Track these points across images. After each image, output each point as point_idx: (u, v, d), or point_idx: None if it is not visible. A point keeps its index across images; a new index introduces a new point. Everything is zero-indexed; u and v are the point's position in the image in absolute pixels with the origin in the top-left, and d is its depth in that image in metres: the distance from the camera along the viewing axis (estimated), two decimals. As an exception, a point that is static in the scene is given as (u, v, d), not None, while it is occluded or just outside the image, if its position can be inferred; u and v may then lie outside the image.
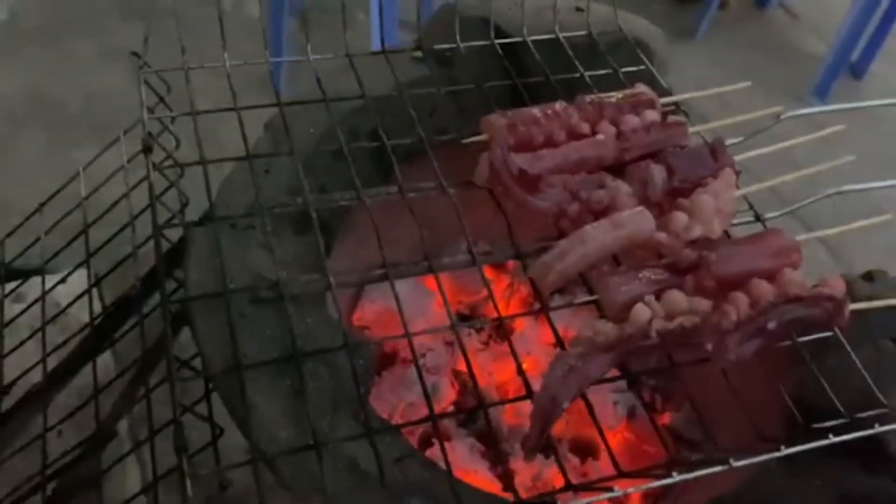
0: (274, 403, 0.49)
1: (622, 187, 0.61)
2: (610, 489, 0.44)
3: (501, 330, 0.92)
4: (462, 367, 0.87)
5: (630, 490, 0.44)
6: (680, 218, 0.59)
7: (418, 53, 0.79)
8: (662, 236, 0.59)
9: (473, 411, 0.84)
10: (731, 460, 0.46)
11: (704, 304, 0.54)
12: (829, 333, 0.58)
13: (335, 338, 0.53)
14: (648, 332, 0.52)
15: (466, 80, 0.76)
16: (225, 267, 0.54)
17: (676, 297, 0.54)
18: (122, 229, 0.72)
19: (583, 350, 0.52)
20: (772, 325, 0.54)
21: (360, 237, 0.83)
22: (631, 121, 0.65)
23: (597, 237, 0.58)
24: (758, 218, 0.66)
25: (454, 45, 0.76)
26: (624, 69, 0.77)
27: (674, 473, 0.44)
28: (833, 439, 0.48)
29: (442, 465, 0.70)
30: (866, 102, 0.72)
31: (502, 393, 0.86)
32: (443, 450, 0.50)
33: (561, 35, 0.79)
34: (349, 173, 0.73)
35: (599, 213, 0.60)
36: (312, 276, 0.54)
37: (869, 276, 0.70)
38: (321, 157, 0.71)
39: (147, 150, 0.60)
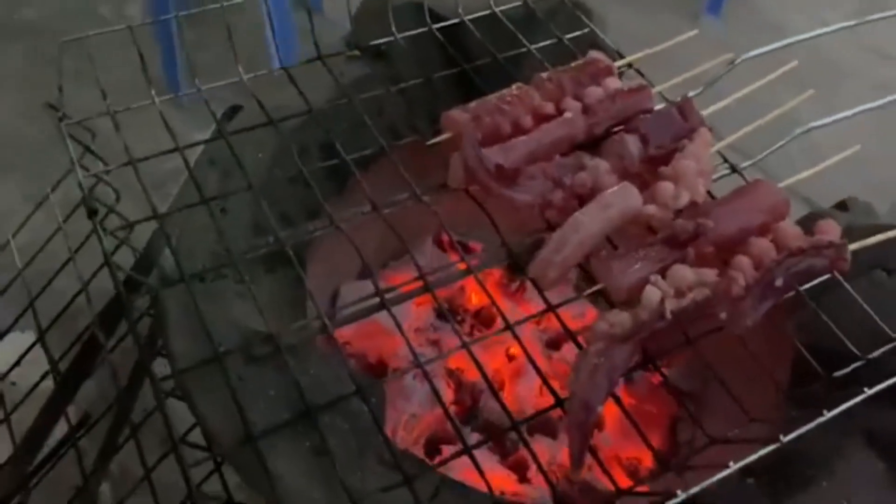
0: (298, 468, 0.46)
1: (601, 165, 0.59)
2: (674, 494, 0.42)
3: (482, 318, 0.93)
4: (453, 364, 0.85)
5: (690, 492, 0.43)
6: (666, 187, 0.57)
7: (355, 52, 0.75)
8: (652, 209, 0.57)
9: (474, 409, 0.83)
10: (782, 436, 0.45)
11: (710, 274, 0.53)
12: (827, 276, 0.58)
13: (344, 383, 0.50)
14: (663, 312, 0.51)
15: (409, 72, 0.72)
16: (208, 327, 0.49)
17: (682, 272, 0.53)
18: (73, 299, 0.66)
19: (603, 345, 0.50)
20: (779, 282, 0.54)
21: (332, 262, 0.79)
22: (594, 92, 0.63)
23: (589, 222, 0.55)
24: (734, 169, 0.65)
25: (391, 38, 0.72)
26: (568, 35, 0.74)
27: (730, 463, 0.43)
28: (869, 392, 0.48)
29: (457, 479, 0.68)
30: (819, 31, 0.71)
31: (498, 381, 0.84)
32: (482, 475, 0.48)
33: (497, 10, 0.75)
34: (308, 196, 0.69)
35: (584, 196, 0.58)
36: (304, 321, 0.51)
37: (843, 206, 0.71)
38: (276, 182, 0.66)
39: (92, 213, 0.54)
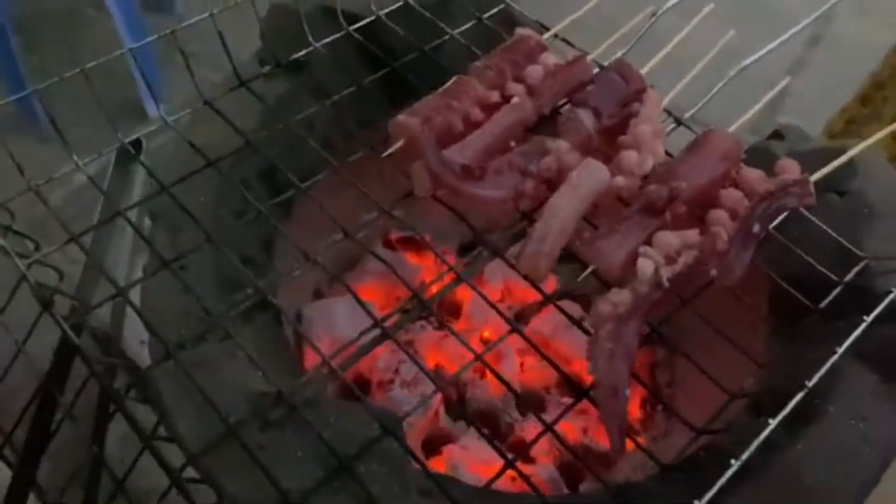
0: (348, 525, 0.44)
1: (562, 145, 0.58)
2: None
3: (448, 308, 0.92)
4: (431, 363, 0.84)
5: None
6: (630, 156, 0.58)
7: (273, 70, 0.71)
8: (621, 180, 0.57)
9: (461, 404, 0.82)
10: (807, 382, 0.47)
11: (693, 234, 0.54)
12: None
13: (367, 424, 0.48)
14: (660, 282, 0.51)
15: (334, 80, 0.69)
16: (212, 400, 0.46)
17: (667, 238, 0.53)
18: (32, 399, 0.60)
19: (612, 327, 0.50)
20: (756, 228, 0.55)
21: (291, 285, 0.76)
22: (534, 72, 0.62)
23: (565, 206, 0.55)
24: (679, 122, 0.66)
25: (309, 48, 0.69)
26: (486, 14, 0.73)
27: (770, 420, 0.44)
28: (868, 319, 0.50)
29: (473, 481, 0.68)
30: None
31: (480, 369, 0.84)
32: (529, 483, 0.48)
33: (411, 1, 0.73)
34: (261, 231, 0.66)
35: (552, 179, 0.57)
36: (312, 373, 0.48)
37: (778, 135, 0.73)
38: (226, 225, 0.62)
39: (47, 306, 0.50)
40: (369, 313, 0.52)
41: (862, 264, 0.58)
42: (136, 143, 0.69)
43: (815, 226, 0.61)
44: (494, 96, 0.61)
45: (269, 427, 0.47)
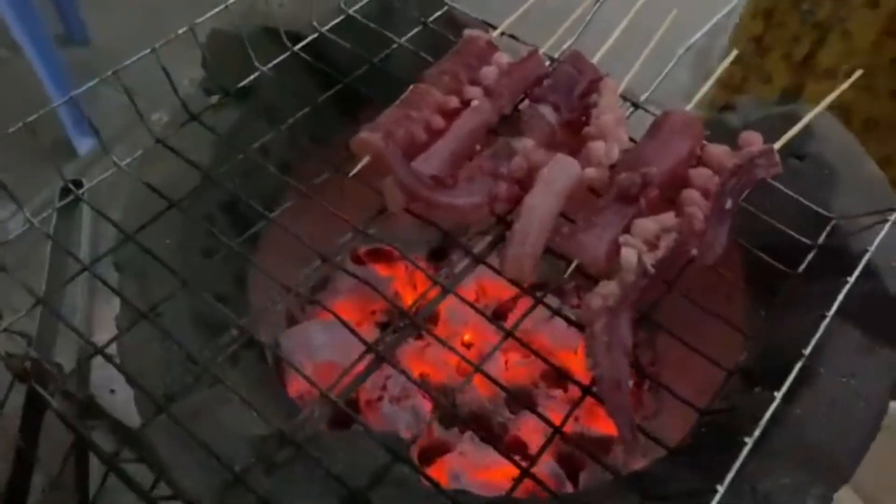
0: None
1: (528, 144, 0.58)
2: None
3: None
4: (416, 372, 0.83)
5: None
6: (597, 147, 0.58)
7: (215, 98, 0.69)
8: (591, 171, 0.57)
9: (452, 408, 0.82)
10: (804, 350, 0.47)
11: (670, 217, 0.54)
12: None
13: (374, 452, 0.47)
14: (645, 269, 0.52)
15: (285, 103, 0.67)
16: (212, 450, 0.45)
17: (645, 224, 0.54)
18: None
19: (605, 320, 0.50)
20: (728, 203, 0.56)
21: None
22: (490, 73, 0.62)
23: (541, 204, 0.55)
24: (636, 106, 0.67)
25: (256, 72, 0.67)
26: (430, 18, 0.72)
27: (775, 393, 0.45)
28: (851, 280, 0.51)
29: (478, 489, 0.67)
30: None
31: (465, 372, 0.83)
32: (546, 488, 0.47)
33: (350, 10, 0.71)
34: (229, 267, 0.64)
35: (524, 179, 0.57)
36: (310, 410, 0.47)
37: (730, 107, 0.74)
38: (196, 266, 0.61)
39: (22, 377, 0.48)
40: (360, 338, 0.51)
41: (832, 225, 0.59)
42: (78, 185, 0.67)
43: (780, 192, 0.62)
44: (453, 102, 0.60)
45: (275, 469, 0.45)
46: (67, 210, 1.24)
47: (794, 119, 0.64)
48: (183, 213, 0.58)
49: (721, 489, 0.40)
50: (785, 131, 0.62)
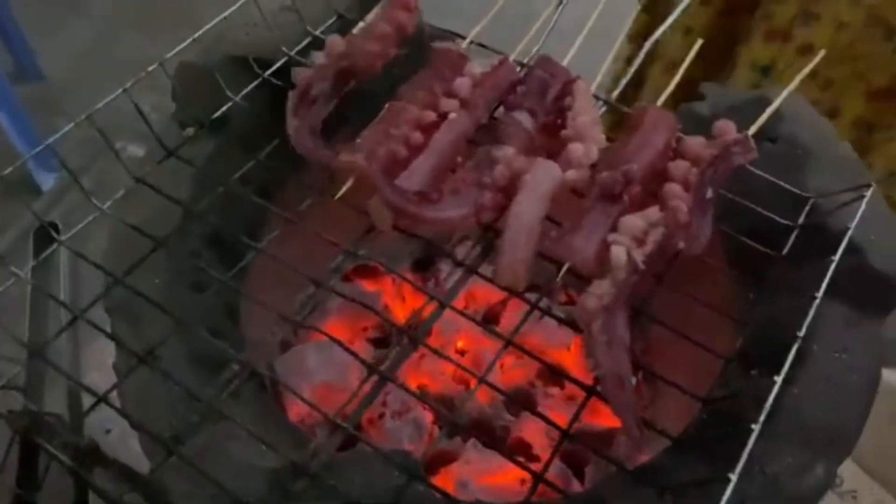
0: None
1: (509, 151, 0.58)
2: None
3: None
4: (415, 384, 0.83)
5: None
6: (576, 149, 0.59)
7: (190, 131, 0.68)
8: (573, 173, 0.58)
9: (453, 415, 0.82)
10: (798, 333, 0.48)
11: (654, 212, 0.55)
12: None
13: (388, 473, 0.47)
14: (636, 265, 0.52)
15: (259, 131, 0.67)
16: (227, 489, 0.45)
17: (632, 221, 0.54)
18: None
19: (602, 319, 0.51)
20: (709, 193, 0.57)
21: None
22: (463, 84, 0.62)
23: (528, 210, 0.55)
24: (608, 104, 0.68)
25: (230, 102, 0.67)
26: (397, 33, 0.72)
27: (775, 377, 0.46)
28: (835, 258, 0.52)
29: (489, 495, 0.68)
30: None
31: (464, 380, 0.84)
32: (560, 491, 0.48)
33: (316, 32, 0.72)
34: (222, 300, 0.64)
35: (507, 187, 0.58)
36: (321, 438, 0.47)
37: (699, 97, 0.76)
38: (187, 303, 0.60)
39: (24, 433, 0.47)
40: (363, 361, 0.51)
41: (810, 203, 0.61)
42: (54, 227, 0.66)
43: (756, 176, 0.63)
44: (430, 116, 0.60)
45: (291, 501, 0.45)
46: (41, 253, 1.22)
47: (764, 103, 0.66)
48: (169, 251, 0.58)
49: (734, 477, 0.41)
50: (755, 116, 0.63)
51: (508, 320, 0.89)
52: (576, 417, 0.50)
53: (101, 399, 0.48)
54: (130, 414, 0.50)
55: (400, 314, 0.89)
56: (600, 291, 0.51)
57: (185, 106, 0.69)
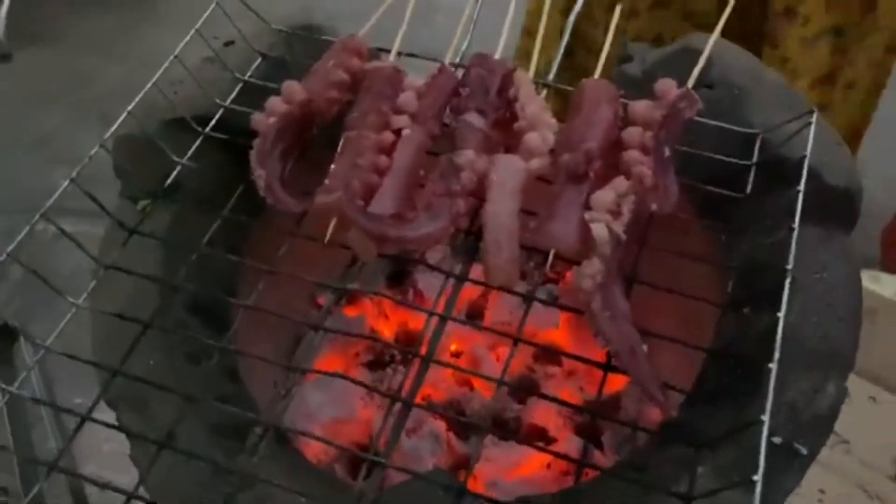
0: None
1: (469, 155, 0.59)
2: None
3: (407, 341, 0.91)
4: (419, 396, 0.83)
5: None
6: (533, 138, 0.60)
7: (144, 204, 0.67)
8: (535, 163, 0.59)
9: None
10: (787, 266, 0.51)
11: (621, 182, 0.57)
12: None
13: (428, 493, 0.48)
14: (618, 237, 0.54)
15: (215, 188, 0.67)
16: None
17: (603, 197, 0.56)
18: None
19: (600, 297, 0.52)
20: (667, 152, 0.59)
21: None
22: (408, 99, 0.63)
23: (503, 210, 0.56)
24: (547, 86, 0.69)
25: (178, 167, 0.66)
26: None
27: (778, 315, 0.48)
28: (801, 188, 0.55)
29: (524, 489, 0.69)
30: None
31: (468, 382, 0.85)
32: (605, 471, 0.49)
33: (246, 77, 0.71)
34: (221, 364, 0.63)
35: (476, 190, 0.58)
36: (362, 482, 0.48)
37: (628, 58, 0.77)
38: (188, 377, 0.60)
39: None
40: (383, 393, 0.51)
41: (760, 140, 0.63)
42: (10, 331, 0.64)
43: (703, 125, 0.65)
44: (389, 137, 0.61)
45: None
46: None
47: (690, 52, 0.68)
48: (158, 329, 0.57)
49: (766, 418, 0.43)
50: (686, 66, 0.65)
51: (493, 314, 0.90)
52: (600, 395, 0.52)
53: (132, 496, 0.47)
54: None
55: (387, 333, 0.89)
56: (592, 271, 0.53)
57: (131, 180, 0.68)
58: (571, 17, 0.72)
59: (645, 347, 0.51)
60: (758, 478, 0.40)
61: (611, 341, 0.51)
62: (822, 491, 0.92)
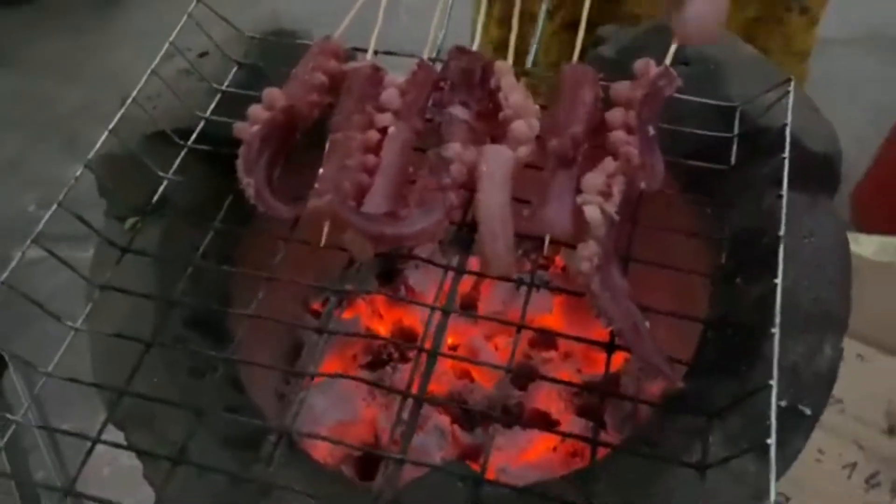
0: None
1: (456, 148, 0.59)
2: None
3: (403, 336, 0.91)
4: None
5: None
6: (519, 126, 0.60)
7: (131, 222, 0.67)
8: (523, 150, 0.60)
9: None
10: (780, 233, 0.52)
11: (609, 164, 0.58)
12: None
13: (451, 486, 0.49)
14: (612, 219, 0.55)
15: (202, 200, 0.66)
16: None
17: (592, 179, 0.56)
18: None
19: (598, 278, 0.53)
20: (652, 130, 0.60)
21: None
22: (391, 96, 0.63)
23: (494, 200, 0.57)
24: (525, 73, 0.70)
25: (163, 182, 0.65)
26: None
27: (775, 280, 0.49)
28: (786, 155, 0.56)
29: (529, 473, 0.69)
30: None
31: (463, 374, 0.85)
32: (615, 447, 0.50)
33: (223, 87, 0.71)
34: (224, 376, 0.63)
35: (466, 182, 0.59)
36: (382, 479, 0.48)
37: (601, 40, 0.78)
38: (194, 392, 0.59)
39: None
40: (394, 390, 0.52)
41: (739, 112, 0.64)
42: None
43: (683, 101, 0.66)
44: (375, 136, 0.61)
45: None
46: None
47: (663, 31, 0.69)
48: (159, 346, 0.56)
49: (773, 383, 0.43)
50: (661, 46, 0.66)
51: (486, 305, 0.90)
52: (606, 375, 0.52)
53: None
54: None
55: (383, 332, 0.90)
56: (588, 253, 0.53)
57: (116, 199, 0.68)
58: (545, 4, 0.72)
59: (647, 323, 0.51)
60: (771, 441, 0.41)
61: (614, 320, 0.51)
62: (820, 451, 0.94)
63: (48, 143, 1.94)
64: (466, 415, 0.83)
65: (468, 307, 0.92)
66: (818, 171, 0.62)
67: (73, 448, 0.55)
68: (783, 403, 0.52)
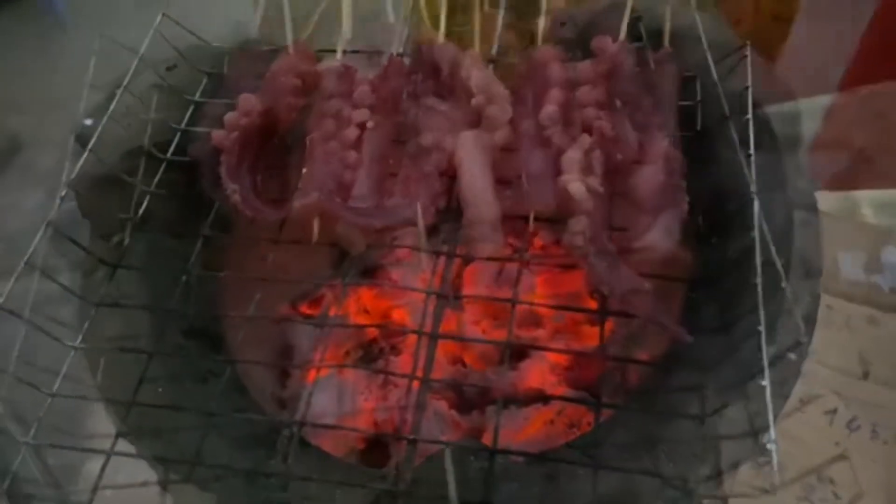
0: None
1: (435, 137, 0.61)
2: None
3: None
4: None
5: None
6: (492, 111, 0.62)
7: (118, 238, 0.67)
8: (499, 134, 0.62)
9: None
10: (752, 191, 0.54)
11: (586, 140, 0.60)
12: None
13: (466, 462, 0.50)
14: (597, 192, 0.57)
15: (187, 212, 0.67)
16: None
17: (572, 157, 0.58)
18: None
19: (594, 249, 0.55)
20: (619, 104, 0.62)
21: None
22: (364, 93, 0.64)
23: (476, 183, 0.59)
24: (493, 62, 0.71)
25: (145, 198, 0.66)
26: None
27: (755, 233, 0.52)
28: (749, 116, 0.58)
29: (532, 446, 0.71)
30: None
31: (455, 354, 0.87)
32: (618, 407, 0.52)
33: (196, 98, 0.71)
34: (228, 380, 0.64)
35: (448, 169, 0.60)
36: (398, 462, 0.49)
37: (562, 23, 0.80)
38: (201, 397, 0.60)
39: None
40: (401, 375, 0.53)
41: (699, 79, 0.67)
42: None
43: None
44: (352, 132, 0.62)
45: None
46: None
47: (620, 7, 0.71)
48: (162, 357, 0.57)
49: (762, 328, 0.46)
50: (617, 21, 0.68)
51: (471, 290, 0.92)
52: (606, 344, 0.54)
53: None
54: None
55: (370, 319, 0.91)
56: (580, 227, 0.55)
57: (100, 218, 0.68)
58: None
59: (647, 285, 0.53)
60: (766, 382, 0.43)
61: (615, 287, 0.53)
62: (802, 401, 0.98)
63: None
64: (461, 399, 0.84)
65: (455, 294, 0.94)
66: (781, 130, 0.65)
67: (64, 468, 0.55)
68: (772, 349, 0.54)
